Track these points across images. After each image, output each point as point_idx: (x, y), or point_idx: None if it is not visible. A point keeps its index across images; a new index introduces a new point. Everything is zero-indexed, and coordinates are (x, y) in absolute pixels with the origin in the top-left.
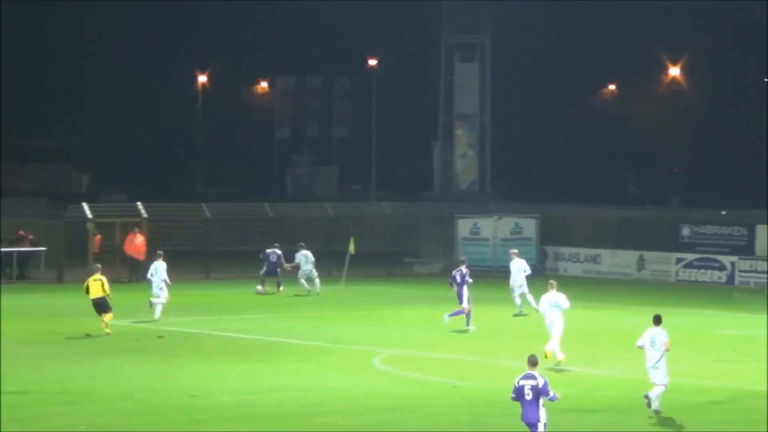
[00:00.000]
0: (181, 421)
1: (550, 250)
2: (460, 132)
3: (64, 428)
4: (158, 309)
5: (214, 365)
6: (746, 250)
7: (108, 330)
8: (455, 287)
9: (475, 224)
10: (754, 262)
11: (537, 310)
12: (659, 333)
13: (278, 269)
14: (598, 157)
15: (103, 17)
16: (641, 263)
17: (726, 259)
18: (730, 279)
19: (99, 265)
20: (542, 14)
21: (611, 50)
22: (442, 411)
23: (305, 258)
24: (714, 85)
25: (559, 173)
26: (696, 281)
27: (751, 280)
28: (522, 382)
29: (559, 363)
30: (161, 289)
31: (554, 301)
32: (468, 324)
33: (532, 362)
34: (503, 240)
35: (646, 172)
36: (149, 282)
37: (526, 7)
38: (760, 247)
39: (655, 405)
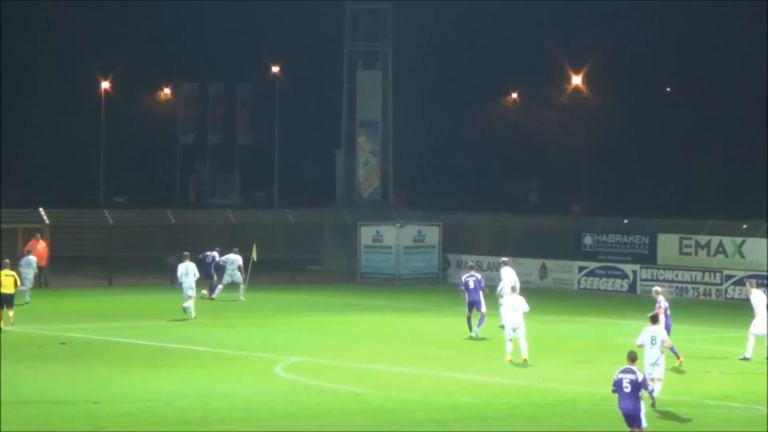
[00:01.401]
0: (84, 428)
1: (453, 258)
2: (362, 140)
3: None
4: (191, 308)
5: (117, 372)
6: (648, 258)
7: (12, 324)
8: (466, 293)
9: (377, 231)
10: (655, 270)
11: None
12: (659, 331)
13: (212, 272)
14: (501, 166)
15: (6, 18)
16: (543, 271)
17: (628, 268)
18: (632, 287)
19: (8, 261)
20: (445, 21)
21: (514, 58)
22: (345, 418)
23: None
24: (616, 94)
25: (462, 181)
26: (598, 289)
27: (653, 289)
28: (621, 376)
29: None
30: (192, 288)
31: (516, 306)
32: (478, 327)
33: (632, 358)
34: (405, 248)
35: (548, 181)
36: (31, 289)
37: (430, 14)
38: (662, 255)
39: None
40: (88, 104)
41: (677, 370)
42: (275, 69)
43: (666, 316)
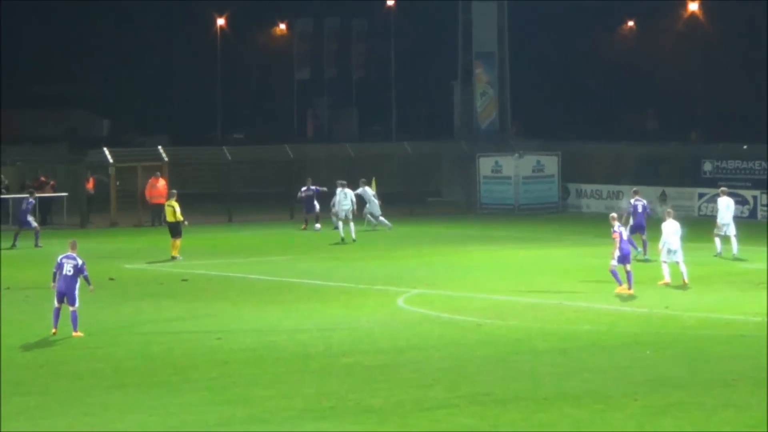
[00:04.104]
0: (206, 364)
1: (572, 187)
2: (479, 71)
3: (89, 373)
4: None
5: (238, 308)
6: None
7: (176, 254)
8: (634, 217)
9: (496, 162)
10: None
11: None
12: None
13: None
14: (618, 94)
15: None
16: (663, 199)
17: (748, 194)
18: (753, 213)
19: (175, 191)
20: None
21: None
22: (467, 349)
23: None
24: (733, 19)
25: (580, 110)
26: None
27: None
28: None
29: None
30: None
31: (677, 229)
32: (645, 251)
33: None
34: (525, 178)
35: (666, 109)
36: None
37: None
38: None
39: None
40: (204, 42)
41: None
42: (390, 2)
43: (621, 240)
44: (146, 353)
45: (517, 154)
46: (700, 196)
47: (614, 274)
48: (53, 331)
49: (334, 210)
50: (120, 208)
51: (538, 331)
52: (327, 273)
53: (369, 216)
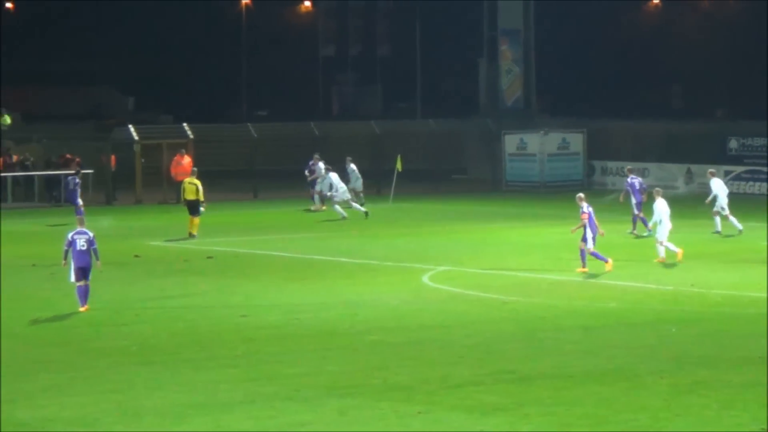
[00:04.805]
0: (232, 341)
1: (597, 164)
2: (504, 48)
3: (115, 350)
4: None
5: (263, 285)
6: None
7: (194, 232)
8: (634, 195)
9: (521, 139)
10: None
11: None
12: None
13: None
14: (643, 70)
15: None
16: (689, 176)
17: None
18: None
19: (196, 169)
20: None
21: None
22: (493, 327)
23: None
24: None
25: (605, 87)
26: (744, 193)
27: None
28: None
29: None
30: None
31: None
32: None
33: None
34: (550, 155)
35: (691, 86)
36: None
37: None
38: None
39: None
40: (229, 18)
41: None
42: None
43: (591, 221)
44: (172, 330)
45: (542, 132)
46: (726, 173)
47: (595, 255)
48: (83, 308)
49: (339, 190)
50: (145, 185)
51: (563, 308)
52: (352, 250)
53: (350, 194)
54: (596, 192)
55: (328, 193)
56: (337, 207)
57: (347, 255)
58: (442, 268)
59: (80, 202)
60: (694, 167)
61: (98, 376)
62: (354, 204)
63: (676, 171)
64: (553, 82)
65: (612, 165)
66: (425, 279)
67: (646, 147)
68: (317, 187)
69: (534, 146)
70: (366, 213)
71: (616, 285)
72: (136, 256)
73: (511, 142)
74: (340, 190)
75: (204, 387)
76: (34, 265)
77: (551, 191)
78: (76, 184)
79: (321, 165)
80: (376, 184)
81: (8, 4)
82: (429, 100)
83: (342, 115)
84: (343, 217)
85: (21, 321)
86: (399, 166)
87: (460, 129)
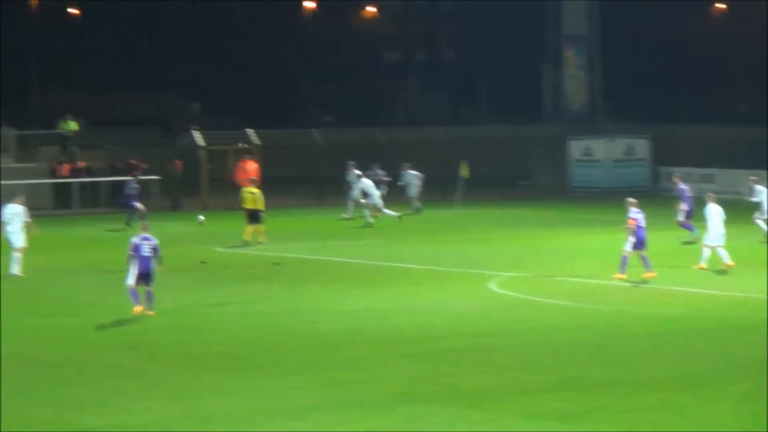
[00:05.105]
0: (299, 348)
1: (663, 170)
2: (569, 53)
3: (183, 356)
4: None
5: (331, 291)
6: None
7: (248, 239)
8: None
9: (587, 146)
10: None
11: None
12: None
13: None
14: (710, 76)
15: None
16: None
17: None
18: None
19: (255, 178)
20: None
21: None
22: (560, 333)
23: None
24: None
25: (671, 93)
26: None
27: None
28: None
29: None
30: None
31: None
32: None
33: None
34: (615, 161)
35: (758, 91)
36: None
37: None
38: None
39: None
40: (292, 24)
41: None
42: None
43: (639, 227)
44: (239, 337)
45: (607, 137)
46: None
47: (624, 260)
48: (138, 309)
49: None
50: (211, 191)
51: (630, 314)
52: (419, 256)
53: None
54: (662, 198)
55: (362, 201)
56: (366, 213)
57: (414, 261)
58: (508, 274)
59: (139, 205)
60: (760, 173)
61: (166, 382)
62: (386, 210)
63: (741, 177)
64: (619, 87)
65: (678, 171)
66: (492, 285)
67: (712, 153)
68: (352, 195)
69: (599, 152)
70: (399, 216)
71: (684, 291)
72: (203, 262)
73: (576, 147)
74: (374, 197)
75: (272, 393)
76: (103, 271)
77: (617, 197)
78: (132, 189)
79: (355, 172)
80: (441, 190)
81: (73, 9)
82: (494, 105)
83: (407, 121)
84: (369, 224)
85: (89, 327)
86: (464, 172)
87: (524, 135)
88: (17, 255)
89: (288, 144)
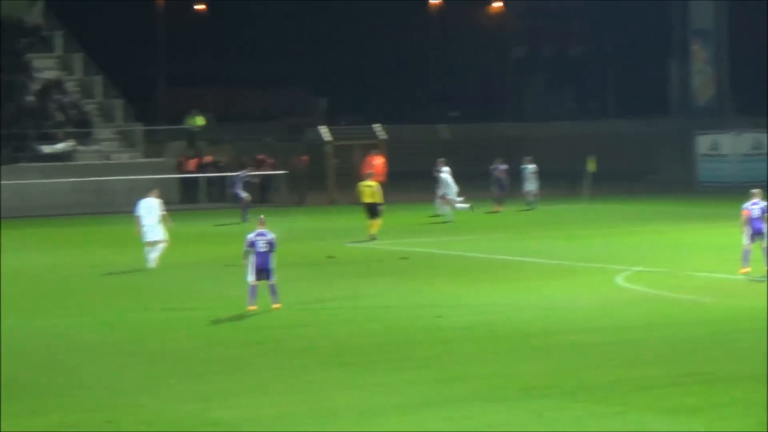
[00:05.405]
0: (426, 342)
1: None
2: (696, 48)
3: (310, 350)
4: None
5: (457, 285)
6: None
7: (374, 233)
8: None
9: (714, 140)
10: None
11: None
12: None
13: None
14: None
15: None
16: None
17: None
18: None
19: (371, 172)
20: None
21: None
22: (687, 328)
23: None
24: None
25: None
26: None
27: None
28: None
29: None
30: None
31: None
32: None
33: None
34: (743, 155)
35: None
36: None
37: None
38: None
39: None
40: (419, 19)
41: None
42: None
43: (753, 219)
44: (365, 331)
45: (735, 132)
46: None
47: (745, 254)
48: (251, 308)
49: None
50: (338, 186)
51: (758, 309)
52: (545, 251)
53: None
54: None
55: (442, 193)
56: (446, 208)
57: (540, 256)
58: (635, 268)
59: (244, 194)
60: None
61: (293, 376)
62: (458, 205)
63: None
64: (746, 81)
65: None
66: (619, 280)
67: None
68: (448, 193)
69: (727, 147)
70: (471, 207)
71: None
72: (330, 257)
73: (703, 142)
74: (452, 191)
75: (398, 387)
76: (226, 265)
77: (746, 192)
78: (241, 179)
79: (446, 169)
80: (569, 185)
81: (200, 5)
82: (620, 100)
83: (533, 116)
84: (448, 221)
85: (214, 321)
86: (591, 167)
87: (651, 129)
88: (160, 246)
89: (414, 139)
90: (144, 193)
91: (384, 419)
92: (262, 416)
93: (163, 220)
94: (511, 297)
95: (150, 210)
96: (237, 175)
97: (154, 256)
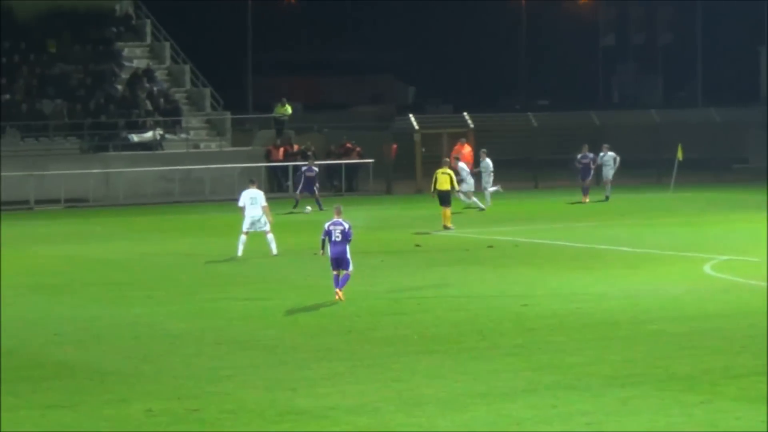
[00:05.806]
0: (513, 330)
1: None
2: None
3: (396, 338)
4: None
5: (544, 273)
6: None
7: (448, 224)
8: None
9: None
10: None
11: None
12: None
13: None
14: None
15: None
16: None
17: None
18: None
19: (448, 159)
20: None
21: None
22: None
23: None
24: None
25: None
26: None
27: None
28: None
29: None
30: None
31: None
32: None
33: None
34: None
35: None
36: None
37: None
38: None
39: None
40: (508, 8)
41: None
42: None
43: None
44: (453, 319)
45: None
46: None
47: None
48: (338, 296)
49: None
50: (426, 174)
51: None
52: (633, 239)
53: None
54: None
55: (490, 189)
56: (474, 199)
57: (628, 244)
58: (723, 257)
59: (298, 192)
60: None
61: (379, 364)
62: (473, 198)
63: None
64: None
65: None
66: (707, 268)
67: None
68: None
69: None
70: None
71: None
72: (417, 245)
73: None
74: (470, 182)
75: (485, 376)
76: (315, 254)
77: None
78: (303, 172)
79: (488, 160)
80: (656, 173)
81: None
82: (710, 88)
83: (622, 104)
84: (480, 209)
85: (302, 310)
86: (680, 155)
87: (741, 118)
88: (270, 236)
89: (502, 128)
90: (233, 183)
91: (470, 407)
92: (348, 405)
93: (265, 211)
94: (598, 286)
95: (254, 200)
96: (303, 170)
97: (272, 246)
